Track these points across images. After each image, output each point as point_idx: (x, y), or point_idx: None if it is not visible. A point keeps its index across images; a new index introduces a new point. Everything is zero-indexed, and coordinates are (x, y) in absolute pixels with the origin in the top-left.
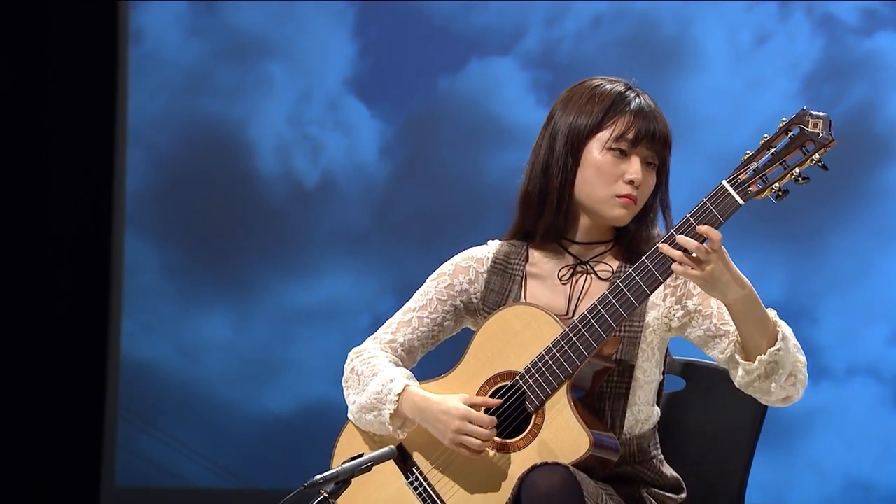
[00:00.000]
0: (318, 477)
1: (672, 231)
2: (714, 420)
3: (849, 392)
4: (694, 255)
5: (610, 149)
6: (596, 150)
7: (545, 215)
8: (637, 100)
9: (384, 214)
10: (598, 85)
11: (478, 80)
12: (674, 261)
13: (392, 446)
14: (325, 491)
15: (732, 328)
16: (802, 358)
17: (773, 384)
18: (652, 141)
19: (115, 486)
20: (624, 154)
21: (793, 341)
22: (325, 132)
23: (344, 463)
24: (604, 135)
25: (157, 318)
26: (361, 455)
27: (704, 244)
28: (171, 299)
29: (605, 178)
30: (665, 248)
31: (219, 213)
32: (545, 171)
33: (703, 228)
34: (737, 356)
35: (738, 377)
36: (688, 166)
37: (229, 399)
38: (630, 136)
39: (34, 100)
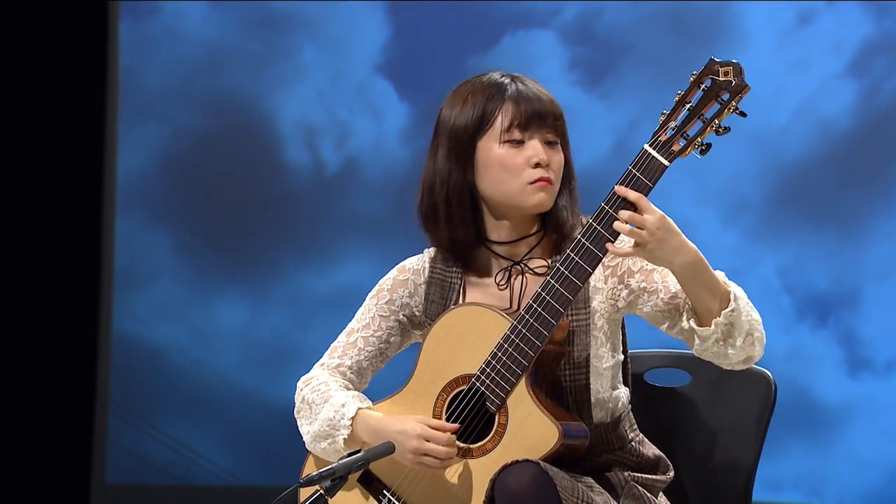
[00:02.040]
0: (314, 473)
1: (602, 204)
2: (720, 415)
3: (891, 384)
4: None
5: (504, 142)
6: (492, 150)
7: (441, 230)
8: (513, 85)
9: (406, 200)
10: (471, 83)
11: (511, 58)
12: (612, 236)
13: (389, 441)
14: (322, 488)
15: (680, 300)
16: (756, 315)
17: (730, 348)
18: (541, 119)
19: (106, 483)
20: (520, 143)
21: (745, 299)
22: (350, 115)
23: (341, 459)
24: (493, 131)
25: (156, 306)
26: (359, 451)
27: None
28: (174, 286)
29: (512, 170)
30: (618, 225)
31: (235, 193)
32: (431, 188)
33: (620, 189)
34: (691, 323)
35: (696, 345)
36: (726, 146)
37: (230, 392)
38: (517, 121)
39: (23, 78)
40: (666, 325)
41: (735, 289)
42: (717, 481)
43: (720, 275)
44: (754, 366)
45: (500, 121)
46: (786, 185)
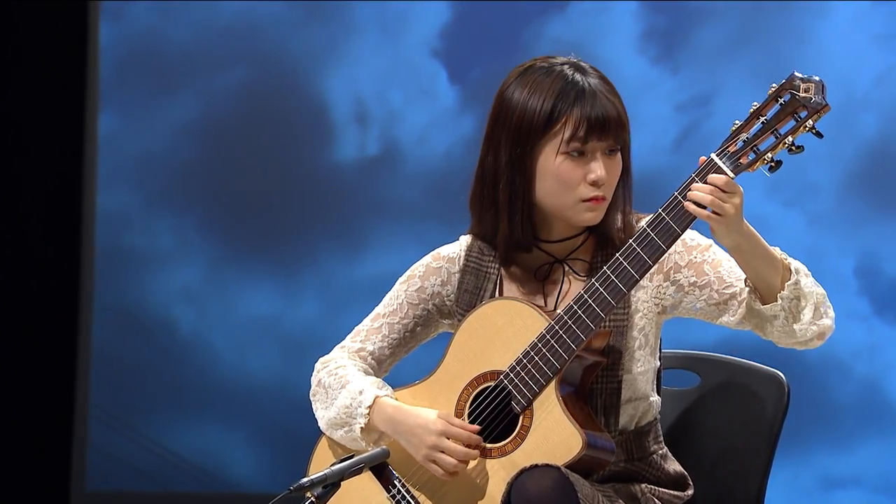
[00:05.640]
0: (305, 480)
1: (660, 210)
2: (730, 418)
3: None
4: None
5: (564, 153)
6: (550, 158)
7: (500, 227)
8: (581, 83)
9: (445, 189)
10: (536, 74)
11: (573, 32)
12: (700, 208)
13: (384, 446)
14: (313, 495)
15: (736, 288)
16: (821, 290)
17: (799, 324)
18: (605, 130)
19: (86, 491)
20: (581, 154)
21: (805, 271)
22: (395, 96)
23: (333, 465)
24: (553, 142)
25: (152, 297)
26: (352, 456)
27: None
28: (181, 272)
29: (567, 184)
30: (698, 187)
31: (266, 172)
32: (494, 184)
33: (713, 178)
34: (756, 304)
35: (769, 330)
36: None
37: (225, 392)
38: (580, 134)
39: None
40: (726, 317)
41: (793, 261)
42: (728, 487)
43: (776, 250)
44: (765, 366)
45: (564, 130)
46: (860, 166)
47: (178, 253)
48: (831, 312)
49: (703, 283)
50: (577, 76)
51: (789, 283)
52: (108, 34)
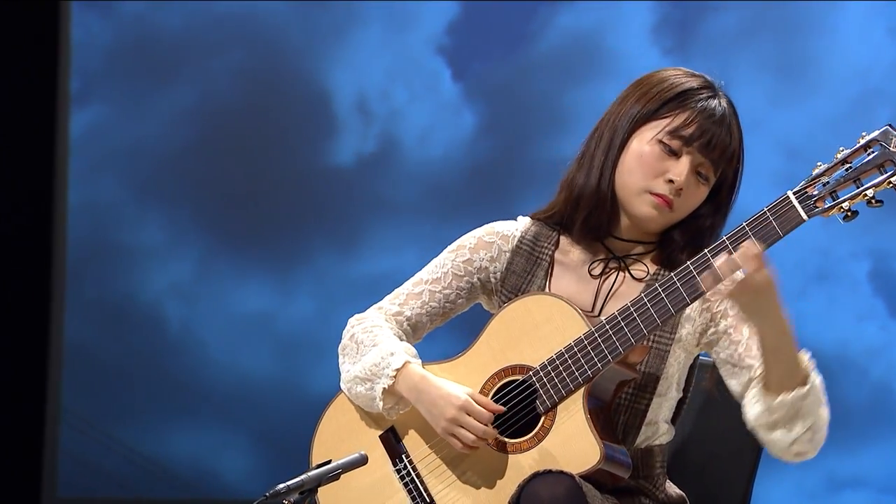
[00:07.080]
0: (282, 486)
1: (724, 239)
2: (716, 424)
3: None
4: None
5: (659, 141)
6: (644, 140)
7: (581, 207)
8: (710, 101)
9: (442, 186)
10: (674, 76)
11: (585, 22)
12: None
13: (362, 452)
14: (290, 501)
15: (756, 364)
16: (825, 413)
17: (791, 433)
18: (708, 148)
19: (58, 496)
20: (674, 154)
21: (819, 391)
22: (397, 92)
23: (310, 471)
24: (657, 124)
25: (134, 296)
26: (330, 461)
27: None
28: (164, 271)
29: (645, 169)
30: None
31: (260, 166)
32: (592, 159)
33: (751, 247)
34: (759, 391)
35: (756, 414)
36: (800, 113)
37: (208, 394)
38: (685, 132)
39: None
40: (734, 382)
41: (815, 377)
42: (714, 493)
43: (804, 357)
44: None
45: (672, 120)
46: None
47: (168, 247)
48: (821, 441)
49: (735, 339)
50: (708, 91)
51: (798, 391)
52: (98, 22)
